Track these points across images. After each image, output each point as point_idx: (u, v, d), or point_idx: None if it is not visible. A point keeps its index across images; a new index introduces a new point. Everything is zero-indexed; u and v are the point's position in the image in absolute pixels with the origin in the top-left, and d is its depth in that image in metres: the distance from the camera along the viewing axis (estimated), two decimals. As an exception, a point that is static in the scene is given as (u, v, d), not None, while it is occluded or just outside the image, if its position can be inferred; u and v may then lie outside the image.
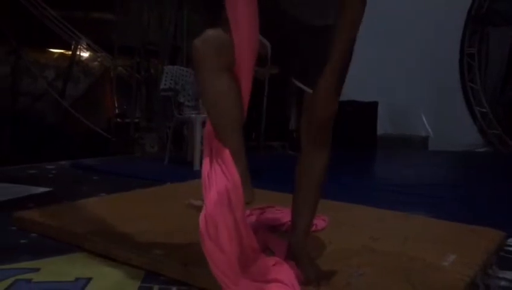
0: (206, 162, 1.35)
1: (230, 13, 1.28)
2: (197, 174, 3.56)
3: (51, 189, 2.88)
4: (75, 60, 7.62)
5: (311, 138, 1.49)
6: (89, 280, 1.52)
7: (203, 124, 4.02)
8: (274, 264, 1.41)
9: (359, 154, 5.31)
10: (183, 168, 3.94)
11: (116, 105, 7.36)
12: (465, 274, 1.49)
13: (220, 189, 1.27)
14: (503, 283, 1.60)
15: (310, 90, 1.43)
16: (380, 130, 6.07)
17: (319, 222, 1.97)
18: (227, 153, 1.31)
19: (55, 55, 7.97)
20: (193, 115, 3.96)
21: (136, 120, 5.99)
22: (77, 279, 1.53)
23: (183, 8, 5.87)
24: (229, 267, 1.29)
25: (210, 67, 1.26)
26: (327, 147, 1.51)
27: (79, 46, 7.57)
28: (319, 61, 1.40)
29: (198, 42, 1.27)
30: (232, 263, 1.29)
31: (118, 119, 6.77)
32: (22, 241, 1.89)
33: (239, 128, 1.35)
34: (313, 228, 1.91)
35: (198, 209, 1.34)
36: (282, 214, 1.97)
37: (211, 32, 1.29)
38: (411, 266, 1.58)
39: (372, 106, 5.85)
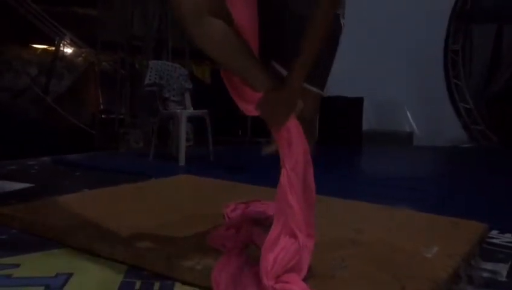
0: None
1: None
2: (182, 170, 3.55)
3: (32, 185, 2.83)
4: (58, 55, 7.54)
5: None
6: (70, 275, 1.50)
7: (188, 119, 4.00)
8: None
9: (344, 149, 5.33)
10: (168, 163, 3.91)
11: (100, 101, 7.30)
12: (448, 265, 1.50)
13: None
14: (485, 274, 1.61)
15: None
16: (366, 125, 6.10)
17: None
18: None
19: (39, 51, 7.87)
20: (178, 110, 3.93)
21: (121, 116, 5.94)
22: (58, 274, 1.50)
23: (167, 2, 5.81)
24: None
25: (190, 15, 1.23)
26: (311, 139, 1.50)
27: (63, 42, 7.49)
28: None
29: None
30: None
31: (103, 115, 6.71)
32: (2, 237, 1.85)
33: (250, 51, 1.31)
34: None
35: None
36: (267, 208, 1.96)
37: None
38: (395, 257, 1.58)
39: (358, 102, 5.87)
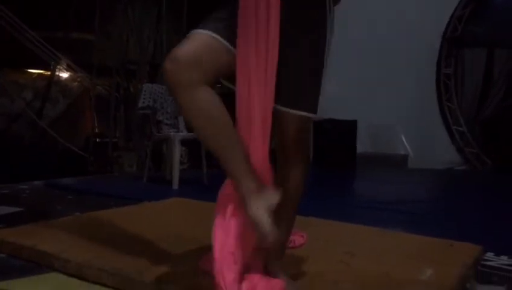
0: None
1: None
2: (175, 193, 3.52)
3: (23, 209, 2.79)
4: (53, 80, 7.56)
5: (285, 152, 1.45)
6: (57, 300, 1.47)
7: (182, 142, 3.99)
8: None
9: (338, 172, 5.31)
10: (161, 186, 3.88)
11: (95, 124, 7.30)
12: (443, 288, 1.48)
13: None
14: (481, 297, 1.59)
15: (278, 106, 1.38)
16: (360, 148, 6.10)
17: (297, 238, 1.94)
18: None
19: (34, 76, 7.90)
20: (172, 133, 3.92)
21: (115, 140, 5.93)
22: (45, 300, 1.47)
23: (161, 27, 5.88)
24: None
25: (183, 85, 1.21)
26: (302, 161, 1.47)
27: (58, 67, 7.53)
28: (287, 73, 1.36)
29: (167, 64, 1.23)
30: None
31: (97, 139, 6.69)
32: (-11, 261, 1.82)
33: (236, 140, 1.28)
34: (291, 245, 1.88)
35: None
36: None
37: (179, 51, 1.24)
38: (388, 280, 1.56)
39: (351, 125, 5.89)
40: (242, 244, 1.32)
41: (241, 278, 1.32)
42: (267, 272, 1.46)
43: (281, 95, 1.36)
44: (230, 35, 1.28)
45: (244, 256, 1.34)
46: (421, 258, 1.83)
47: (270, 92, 1.31)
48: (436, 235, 2.22)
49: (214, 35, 1.28)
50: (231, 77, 1.32)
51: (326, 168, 5.36)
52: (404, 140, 6.56)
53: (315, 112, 1.42)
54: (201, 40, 1.27)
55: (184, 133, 4.02)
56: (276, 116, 1.38)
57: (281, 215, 1.49)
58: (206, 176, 3.90)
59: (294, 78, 1.37)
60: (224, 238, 1.32)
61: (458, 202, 3.81)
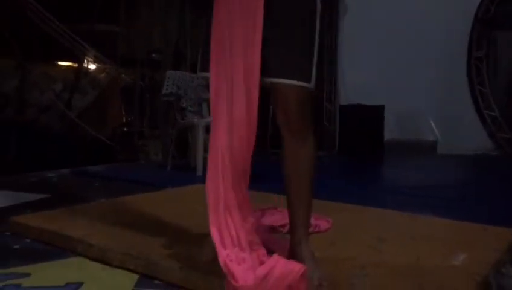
0: None
1: None
2: (200, 180, 3.50)
3: (49, 195, 2.82)
4: (82, 71, 7.66)
5: (291, 129, 1.40)
6: (80, 284, 1.46)
7: (206, 129, 3.95)
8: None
9: (365, 159, 5.20)
10: (186, 174, 3.87)
11: (123, 114, 7.37)
12: (476, 273, 1.40)
13: None
14: (517, 283, 1.51)
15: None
16: (387, 135, 5.97)
17: (322, 223, 1.89)
18: None
19: (64, 68, 8.02)
20: (196, 120, 3.90)
21: (143, 128, 5.97)
22: (68, 284, 1.47)
23: (186, 15, 5.86)
24: None
25: None
26: (308, 134, 1.42)
27: (86, 58, 7.62)
28: (276, 43, 1.33)
29: None
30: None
31: (124, 129, 6.75)
32: (15, 246, 1.84)
33: None
34: (316, 229, 1.84)
35: None
36: (283, 215, 1.89)
37: None
38: (419, 265, 1.49)
39: (379, 110, 5.75)
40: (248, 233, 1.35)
41: (257, 263, 1.29)
42: (292, 254, 1.42)
43: (273, 68, 1.34)
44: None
45: (254, 241, 1.34)
46: (454, 243, 1.75)
47: (255, 70, 1.32)
48: (468, 221, 2.13)
49: None
50: None
51: (353, 155, 5.26)
52: (433, 125, 6.39)
53: (309, 82, 1.38)
54: None
55: (208, 120, 3.99)
56: (274, 94, 1.38)
57: (297, 194, 1.44)
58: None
59: (283, 47, 1.34)
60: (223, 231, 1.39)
61: (490, 187, 3.68)
